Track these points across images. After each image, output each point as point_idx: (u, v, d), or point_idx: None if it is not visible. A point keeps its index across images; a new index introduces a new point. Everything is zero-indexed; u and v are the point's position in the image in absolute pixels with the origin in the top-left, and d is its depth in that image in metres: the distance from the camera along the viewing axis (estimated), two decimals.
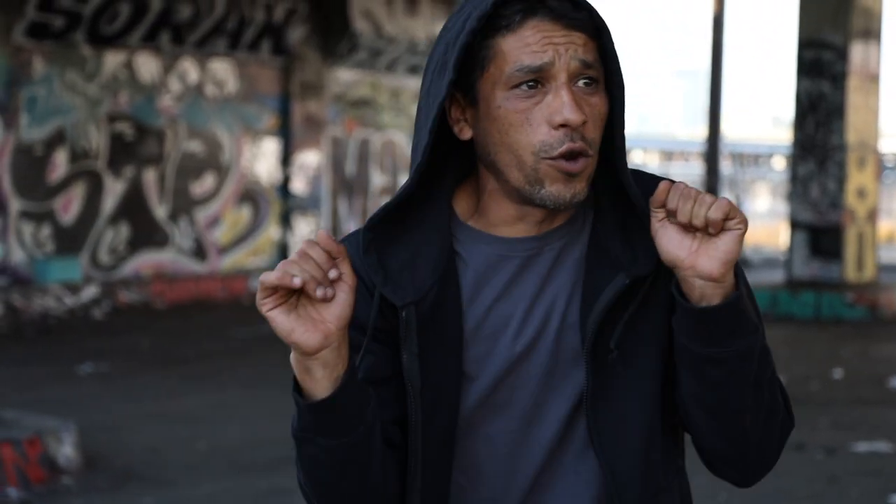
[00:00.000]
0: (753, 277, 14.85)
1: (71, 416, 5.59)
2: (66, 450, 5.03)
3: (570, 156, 1.28)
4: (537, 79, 1.28)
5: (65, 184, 11.49)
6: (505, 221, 1.35)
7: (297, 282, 1.19)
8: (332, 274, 1.21)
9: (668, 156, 43.73)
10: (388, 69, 14.43)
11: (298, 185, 13.62)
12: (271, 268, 9.53)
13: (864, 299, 10.47)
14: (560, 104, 1.27)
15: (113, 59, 11.78)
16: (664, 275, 1.32)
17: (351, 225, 14.31)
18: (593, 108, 1.29)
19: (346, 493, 1.30)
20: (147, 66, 12.09)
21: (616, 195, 1.36)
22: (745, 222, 1.25)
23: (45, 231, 11.34)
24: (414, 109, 15.06)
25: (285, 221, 13.55)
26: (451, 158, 1.38)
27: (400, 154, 14.91)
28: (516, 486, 1.35)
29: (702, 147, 21.07)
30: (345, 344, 1.24)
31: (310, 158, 13.71)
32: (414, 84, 14.85)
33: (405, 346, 1.30)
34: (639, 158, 40.62)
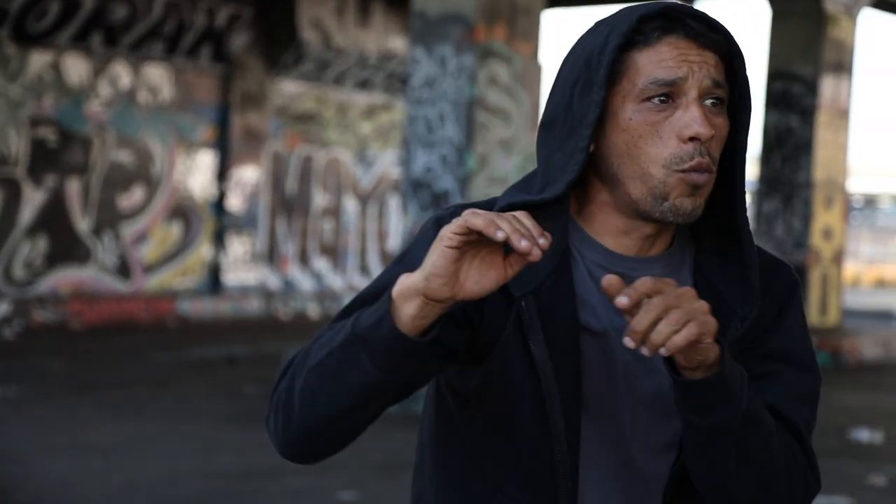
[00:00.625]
0: None
1: None
2: None
3: (699, 169, 1.39)
4: (669, 93, 1.39)
5: None
6: (609, 233, 1.46)
7: (500, 235, 1.25)
8: (542, 242, 1.27)
9: None
10: (336, 83, 14.44)
11: (234, 203, 13.55)
12: (201, 290, 9.40)
13: (827, 345, 10.61)
14: (691, 118, 1.38)
15: (39, 60, 11.67)
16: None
17: (289, 247, 14.26)
18: (718, 128, 1.41)
19: (328, 413, 1.37)
20: (76, 68, 11.98)
21: (718, 226, 1.46)
22: (711, 333, 1.29)
23: None
24: (361, 126, 15.10)
25: (219, 241, 13.47)
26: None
27: (344, 173, 14.91)
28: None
29: None
30: (443, 310, 1.31)
31: (248, 174, 13.65)
32: (362, 99, 14.88)
33: (530, 336, 1.40)
34: None
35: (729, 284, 1.46)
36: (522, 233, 1.26)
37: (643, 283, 1.27)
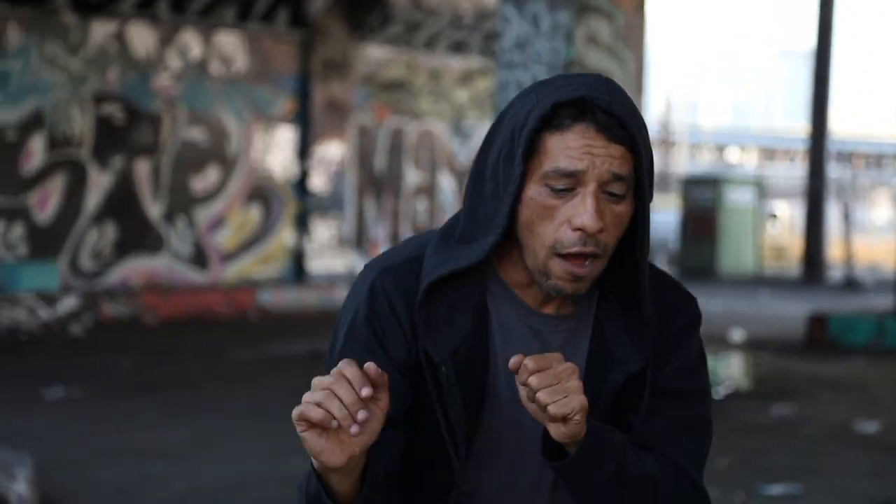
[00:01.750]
0: (865, 302, 14.55)
1: (29, 448, 5.65)
2: (20, 487, 5.07)
3: (580, 256, 1.67)
4: (570, 182, 1.66)
5: (42, 176, 11.64)
6: (520, 284, 1.76)
7: (315, 419, 1.53)
8: (361, 416, 1.53)
9: (769, 154, 43.34)
10: (427, 46, 14.46)
11: (318, 182, 13.68)
12: (283, 279, 9.62)
13: None
14: (583, 209, 1.65)
15: (101, 30, 11.92)
16: (659, 358, 1.78)
17: (379, 230, 14.35)
18: (616, 215, 1.69)
19: None
20: (141, 38, 12.21)
21: (625, 285, 1.76)
22: (581, 411, 1.61)
23: (18, 231, 11.48)
24: (456, 94, 15.10)
25: (302, 224, 13.62)
26: None
27: (439, 147, 14.93)
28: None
29: (807, 144, 20.86)
30: (363, 456, 1.59)
31: (332, 150, 13.77)
32: (457, 64, 14.87)
33: (448, 399, 1.71)
34: (735, 157, 40.33)
35: (622, 335, 1.76)
36: (339, 417, 1.52)
37: (532, 360, 1.59)
